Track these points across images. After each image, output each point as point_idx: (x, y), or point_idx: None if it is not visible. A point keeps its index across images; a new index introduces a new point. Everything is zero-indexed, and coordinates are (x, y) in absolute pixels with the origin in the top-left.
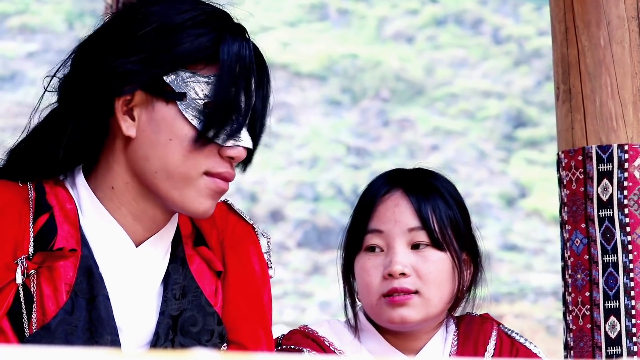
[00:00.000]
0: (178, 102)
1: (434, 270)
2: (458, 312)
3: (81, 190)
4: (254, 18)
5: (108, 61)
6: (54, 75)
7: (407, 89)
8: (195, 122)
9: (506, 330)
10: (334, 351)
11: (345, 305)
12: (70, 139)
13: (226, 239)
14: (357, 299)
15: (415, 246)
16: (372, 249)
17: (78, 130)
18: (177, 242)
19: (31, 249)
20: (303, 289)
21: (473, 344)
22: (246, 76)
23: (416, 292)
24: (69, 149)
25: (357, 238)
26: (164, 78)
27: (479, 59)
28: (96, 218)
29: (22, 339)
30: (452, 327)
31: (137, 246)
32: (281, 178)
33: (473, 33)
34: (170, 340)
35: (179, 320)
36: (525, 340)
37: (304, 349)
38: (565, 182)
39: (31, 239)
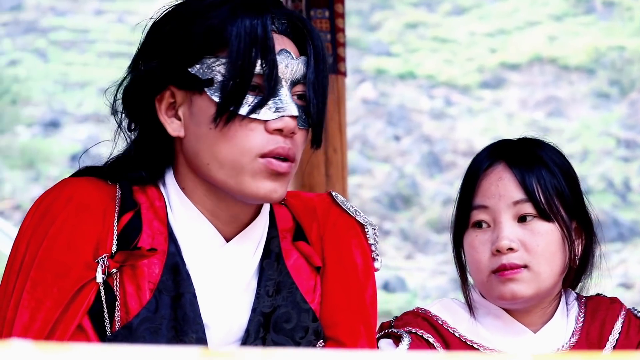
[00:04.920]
0: (206, 89)
1: (542, 243)
2: (581, 289)
3: (170, 188)
4: (520, 13)
5: (142, 65)
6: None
7: None
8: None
9: (635, 312)
10: (447, 330)
11: (462, 282)
12: (141, 144)
13: (327, 232)
14: (468, 276)
15: (522, 219)
16: (479, 224)
17: (145, 136)
18: (271, 237)
19: (114, 248)
20: None
21: (600, 322)
22: (261, 47)
23: (525, 266)
24: (142, 153)
25: (463, 215)
26: (189, 70)
27: None
28: (185, 216)
29: (103, 338)
30: (575, 304)
31: (227, 242)
32: None
33: None
34: (262, 337)
35: (272, 317)
36: None
37: (413, 329)
38: None
39: (114, 238)
